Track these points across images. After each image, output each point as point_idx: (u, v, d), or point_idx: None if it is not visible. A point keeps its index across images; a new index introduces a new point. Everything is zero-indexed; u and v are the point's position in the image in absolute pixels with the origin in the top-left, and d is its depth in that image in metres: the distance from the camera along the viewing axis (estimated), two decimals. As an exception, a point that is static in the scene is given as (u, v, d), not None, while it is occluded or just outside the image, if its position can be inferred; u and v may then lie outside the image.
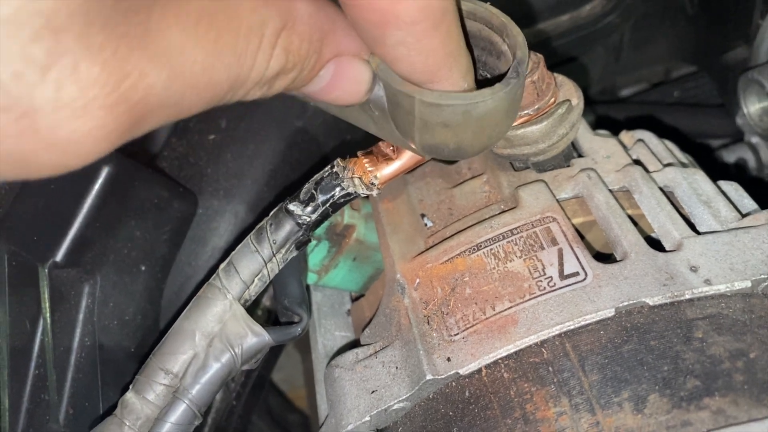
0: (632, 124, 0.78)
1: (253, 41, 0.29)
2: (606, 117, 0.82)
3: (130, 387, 0.44)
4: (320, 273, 0.56)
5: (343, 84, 0.36)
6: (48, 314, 0.51)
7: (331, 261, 0.55)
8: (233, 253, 0.46)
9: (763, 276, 0.41)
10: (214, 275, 0.45)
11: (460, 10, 0.40)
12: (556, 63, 0.79)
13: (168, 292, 0.59)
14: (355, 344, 0.54)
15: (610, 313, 0.41)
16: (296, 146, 0.65)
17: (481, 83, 0.38)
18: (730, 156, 0.83)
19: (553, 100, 0.47)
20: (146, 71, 0.25)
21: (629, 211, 0.47)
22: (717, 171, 0.83)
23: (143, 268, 0.56)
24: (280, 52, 0.30)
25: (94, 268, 0.53)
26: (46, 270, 0.51)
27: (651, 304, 0.41)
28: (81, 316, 0.53)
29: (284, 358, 0.92)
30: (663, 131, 0.84)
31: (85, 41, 0.23)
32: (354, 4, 0.31)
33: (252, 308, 0.57)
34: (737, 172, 0.83)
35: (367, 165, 0.46)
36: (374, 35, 0.32)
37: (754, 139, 0.82)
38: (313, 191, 0.46)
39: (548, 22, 0.76)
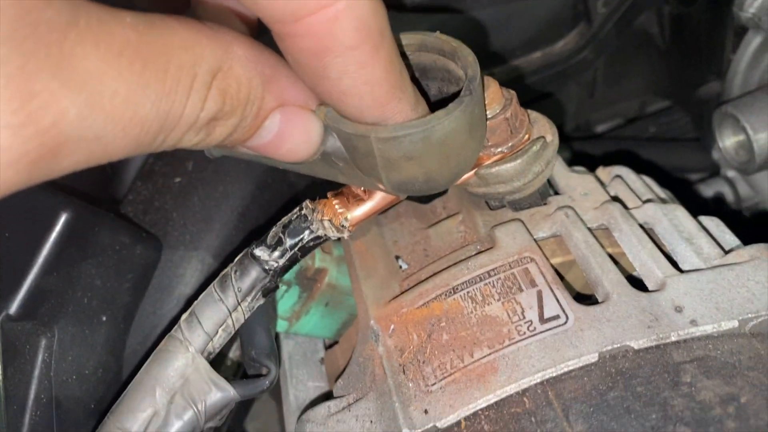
0: (609, 160, 0.78)
1: (184, 79, 0.27)
2: (582, 153, 0.82)
3: (85, 449, 0.41)
4: (291, 320, 0.53)
5: (292, 137, 0.33)
6: (0, 371, 0.48)
7: (302, 307, 0.53)
8: (196, 302, 0.43)
9: (750, 315, 0.40)
10: (176, 326, 0.43)
11: (401, 46, 0.39)
12: (531, 100, 0.78)
13: (131, 342, 0.56)
14: (328, 396, 0.51)
15: (593, 358, 0.39)
16: (267, 187, 0.62)
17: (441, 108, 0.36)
18: (707, 190, 0.82)
19: (527, 137, 0.46)
20: (58, 94, 0.23)
21: (609, 250, 0.46)
22: (695, 205, 0.83)
23: (104, 318, 0.53)
24: (216, 94, 0.28)
25: (51, 320, 0.50)
26: (-1, 323, 0.48)
27: (636, 347, 0.39)
28: (36, 372, 0.50)
29: (260, 405, 0.89)
30: (640, 166, 0.83)
31: None
32: (288, 33, 0.29)
33: (219, 360, 0.55)
34: (715, 207, 0.82)
35: (337, 206, 0.44)
36: (315, 69, 0.30)
37: (731, 173, 0.82)
38: (280, 235, 0.44)
39: (521, 59, 0.76)
